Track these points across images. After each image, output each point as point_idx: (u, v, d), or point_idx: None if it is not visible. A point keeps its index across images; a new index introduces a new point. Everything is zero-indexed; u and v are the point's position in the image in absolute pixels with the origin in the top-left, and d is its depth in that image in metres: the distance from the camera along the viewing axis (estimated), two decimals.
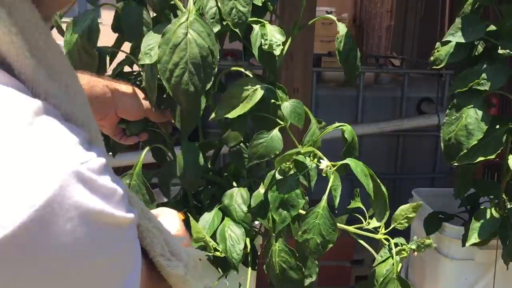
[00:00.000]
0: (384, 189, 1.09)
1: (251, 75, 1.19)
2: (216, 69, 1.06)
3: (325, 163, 1.08)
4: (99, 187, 0.39)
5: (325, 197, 1.07)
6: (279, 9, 2.14)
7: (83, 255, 0.38)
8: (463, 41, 1.42)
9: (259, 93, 1.12)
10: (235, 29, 1.11)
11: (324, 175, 1.09)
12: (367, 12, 6.49)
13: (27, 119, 0.37)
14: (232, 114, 1.12)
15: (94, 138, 0.44)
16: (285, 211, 1.08)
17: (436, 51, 1.47)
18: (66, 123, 0.40)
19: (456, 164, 1.45)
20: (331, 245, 1.07)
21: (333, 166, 1.09)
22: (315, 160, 1.11)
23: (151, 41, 1.10)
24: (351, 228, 1.18)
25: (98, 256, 0.39)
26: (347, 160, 1.09)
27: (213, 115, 1.14)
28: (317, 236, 1.06)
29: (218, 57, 1.06)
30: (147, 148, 1.26)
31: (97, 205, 0.39)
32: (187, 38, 1.03)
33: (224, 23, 1.12)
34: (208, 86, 1.05)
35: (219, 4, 1.10)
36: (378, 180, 1.09)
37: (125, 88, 1.17)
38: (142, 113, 1.19)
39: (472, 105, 1.42)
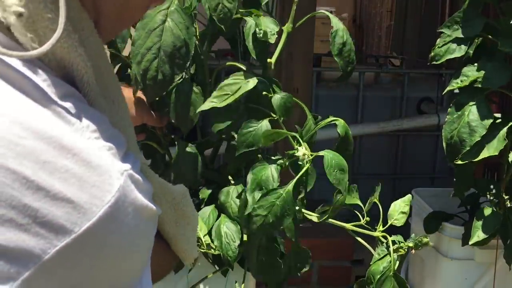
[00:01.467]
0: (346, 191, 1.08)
1: (244, 68, 1.19)
2: (188, 63, 1.07)
3: (302, 151, 1.07)
4: (143, 186, 0.47)
5: (293, 181, 1.05)
6: (279, 9, 2.14)
7: (133, 242, 0.46)
8: (459, 35, 1.42)
9: (251, 83, 1.12)
10: (220, 25, 1.11)
11: (300, 163, 1.08)
12: (367, 12, 6.48)
13: (96, 134, 0.45)
14: (220, 104, 1.11)
15: (131, 144, 0.52)
16: (259, 194, 1.07)
17: (436, 47, 1.46)
18: (118, 134, 0.49)
19: (459, 162, 1.44)
20: (280, 227, 1.04)
21: (311, 155, 1.08)
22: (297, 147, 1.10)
23: None
24: (348, 226, 1.17)
25: (141, 243, 0.48)
26: (323, 152, 1.07)
27: (203, 106, 1.14)
28: (272, 216, 1.03)
29: (193, 52, 1.06)
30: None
31: (143, 202, 0.47)
32: (164, 26, 1.03)
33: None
34: (177, 78, 1.06)
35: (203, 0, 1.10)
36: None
37: (125, 92, 1.15)
38: (139, 120, 1.17)
39: (474, 102, 1.41)
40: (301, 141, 1.10)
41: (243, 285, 1.23)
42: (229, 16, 1.11)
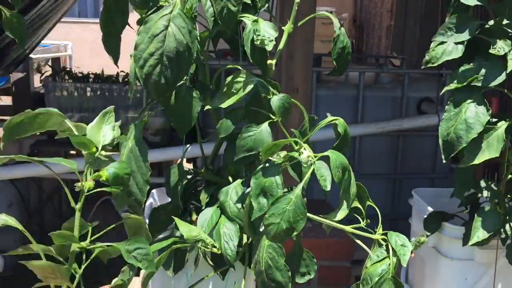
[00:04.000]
0: (354, 187, 1.11)
1: (244, 71, 1.20)
2: (191, 66, 1.09)
3: (306, 153, 1.07)
4: None
5: (300, 185, 1.06)
6: (279, 10, 2.14)
7: None
8: (454, 40, 1.43)
9: (251, 84, 1.14)
10: (225, 28, 1.14)
11: (304, 165, 1.08)
12: (367, 12, 6.49)
13: None
14: (224, 104, 1.13)
15: None
16: (264, 199, 1.07)
17: (431, 50, 1.47)
18: None
19: (461, 166, 1.44)
20: (295, 233, 1.04)
21: (315, 157, 1.08)
22: (301, 150, 1.10)
23: None
24: (348, 228, 1.17)
25: None
26: (328, 152, 1.08)
27: (226, 102, 1.15)
28: (284, 222, 1.04)
29: (195, 55, 1.08)
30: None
31: None
32: (166, 31, 1.05)
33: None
34: (180, 82, 1.08)
35: (212, 3, 1.13)
36: (352, 177, 1.11)
37: None
38: None
39: (471, 100, 1.42)
40: (303, 144, 1.10)
41: (243, 285, 1.22)
42: (234, 19, 1.14)
